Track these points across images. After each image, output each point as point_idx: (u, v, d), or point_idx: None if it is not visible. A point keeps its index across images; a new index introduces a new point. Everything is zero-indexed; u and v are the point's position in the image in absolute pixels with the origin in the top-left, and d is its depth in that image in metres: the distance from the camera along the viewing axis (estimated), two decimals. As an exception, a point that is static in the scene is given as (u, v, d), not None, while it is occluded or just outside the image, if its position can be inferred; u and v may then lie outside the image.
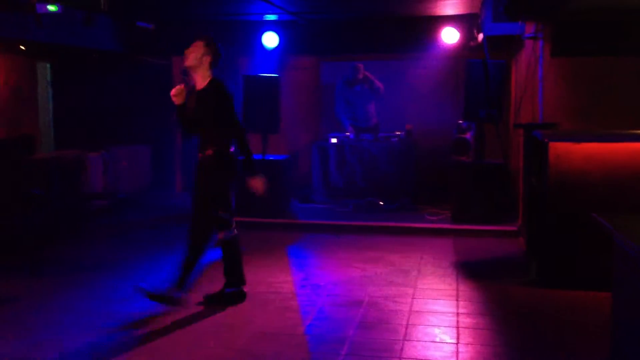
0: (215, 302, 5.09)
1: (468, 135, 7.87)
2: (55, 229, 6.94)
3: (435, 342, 4.31)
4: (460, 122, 8.06)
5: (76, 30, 8.54)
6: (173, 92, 4.92)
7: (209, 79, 5.01)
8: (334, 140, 8.82)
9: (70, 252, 6.81)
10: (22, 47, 8.88)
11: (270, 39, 9.50)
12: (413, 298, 5.22)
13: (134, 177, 9.26)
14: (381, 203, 8.56)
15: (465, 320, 4.70)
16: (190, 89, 5.01)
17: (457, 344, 4.27)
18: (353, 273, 5.98)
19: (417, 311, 4.91)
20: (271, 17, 9.34)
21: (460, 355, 4.09)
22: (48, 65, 10.01)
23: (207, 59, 4.96)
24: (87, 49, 9.21)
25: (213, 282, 5.39)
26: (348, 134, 8.93)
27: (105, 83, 10.20)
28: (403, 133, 8.84)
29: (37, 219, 6.41)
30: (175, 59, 10.65)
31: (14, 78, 9.06)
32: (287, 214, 8.28)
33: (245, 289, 5.39)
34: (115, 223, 8.14)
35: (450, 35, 8.75)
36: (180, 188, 10.75)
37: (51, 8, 7.39)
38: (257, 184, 5.13)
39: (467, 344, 4.27)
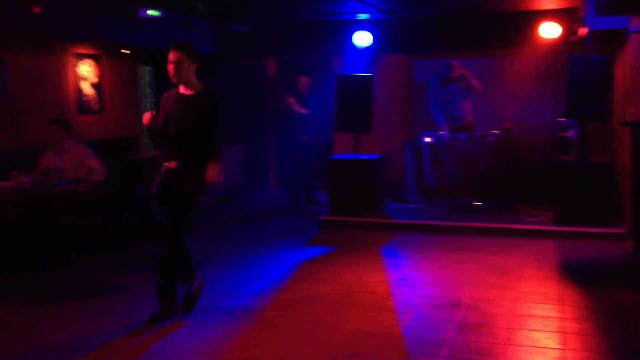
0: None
1: (570, 134, 7.57)
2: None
3: (538, 347, 4.16)
4: (562, 119, 7.75)
5: (175, 34, 8.81)
6: (146, 122, 4.76)
7: (198, 86, 4.89)
8: (427, 139, 8.69)
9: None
10: (125, 51, 9.25)
11: (362, 38, 9.49)
12: (514, 301, 5.06)
13: (230, 175, 9.45)
14: (478, 203, 8.36)
15: (571, 326, 4.51)
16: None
17: (562, 349, 4.11)
18: (450, 274, 5.87)
19: (518, 315, 4.76)
20: (363, 15, 9.33)
21: (566, 361, 3.94)
22: (148, 69, 10.38)
23: (193, 67, 4.84)
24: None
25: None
26: (442, 132, 8.78)
27: (202, 84, 10.44)
28: (500, 131, 8.60)
29: (141, 216, 6.66)
30: (268, 60, 10.84)
31: (118, 81, 9.44)
32: (380, 213, 8.23)
33: (340, 288, 5.41)
34: (213, 220, 8.34)
35: (550, 30, 8.46)
36: (275, 185, 10.93)
37: (152, 13, 7.66)
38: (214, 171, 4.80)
39: (574, 349, 4.10)
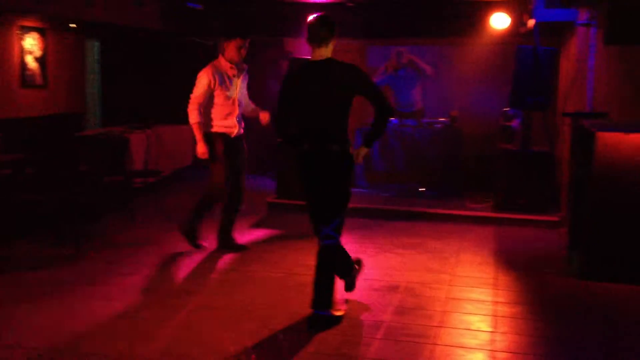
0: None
1: (514, 123, 7.72)
2: (100, 206, 7.08)
3: (471, 329, 4.27)
4: (507, 109, 7.90)
5: (126, 9, 8.66)
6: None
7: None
8: (376, 125, 8.74)
9: (113, 229, 6.93)
10: (73, 25, 9.04)
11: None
12: (450, 285, 5.17)
13: (178, 155, 9.36)
14: (423, 189, 8.48)
15: (503, 309, 4.64)
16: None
17: (493, 332, 4.22)
18: (391, 258, 5.96)
19: (453, 298, 4.87)
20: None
21: (495, 344, 4.04)
22: (97, 43, 10.17)
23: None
24: (136, 28, 9.33)
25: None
26: (392, 119, 8.84)
27: (152, 62, 10.32)
28: (448, 119, 8.72)
29: (82, 195, 6.54)
30: (221, 39, 10.72)
31: (64, 55, 9.23)
32: (327, 197, 8.24)
33: (282, 271, 5.44)
34: (157, 201, 8.24)
35: (499, 21, 8.58)
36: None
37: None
38: None
39: (504, 332, 4.22)
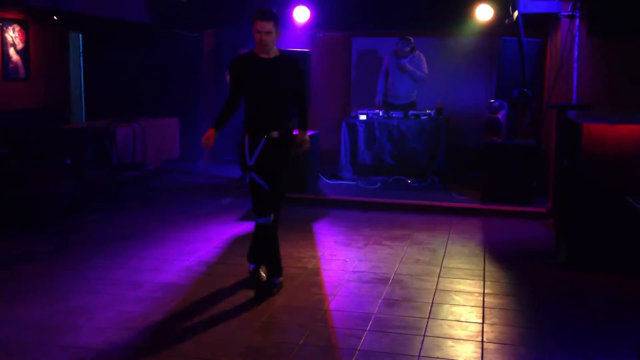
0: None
1: (500, 115, 7.75)
2: (85, 199, 7.02)
3: (460, 321, 4.29)
4: (493, 101, 7.93)
5: (109, 1, 8.56)
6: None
7: (277, 52, 4.79)
8: (362, 117, 8.76)
9: (100, 222, 6.89)
10: (55, 17, 8.94)
11: (301, 14, 9.42)
12: (439, 277, 5.19)
13: (164, 148, 9.30)
14: (409, 181, 8.50)
15: (491, 301, 4.67)
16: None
17: (482, 323, 4.25)
18: (380, 250, 5.97)
19: (443, 290, 4.89)
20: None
21: (485, 335, 4.07)
22: (80, 36, 10.07)
23: (277, 37, 4.74)
24: (120, 20, 9.23)
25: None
26: (378, 110, 8.86)
27: (136, 55, 10.23)
28: (433, 111, 8.74)
29: (68, 188, 6.49)
30: (205, 32, 10.66)
31: (46, 48, 9.13)
32: (314, 190, 8.27)
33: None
34: (144, 194, 8.21)
35: (484, 12, 8.59)
36: (209, 160, 10.82)
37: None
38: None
39: (493, 324, 4.25)
